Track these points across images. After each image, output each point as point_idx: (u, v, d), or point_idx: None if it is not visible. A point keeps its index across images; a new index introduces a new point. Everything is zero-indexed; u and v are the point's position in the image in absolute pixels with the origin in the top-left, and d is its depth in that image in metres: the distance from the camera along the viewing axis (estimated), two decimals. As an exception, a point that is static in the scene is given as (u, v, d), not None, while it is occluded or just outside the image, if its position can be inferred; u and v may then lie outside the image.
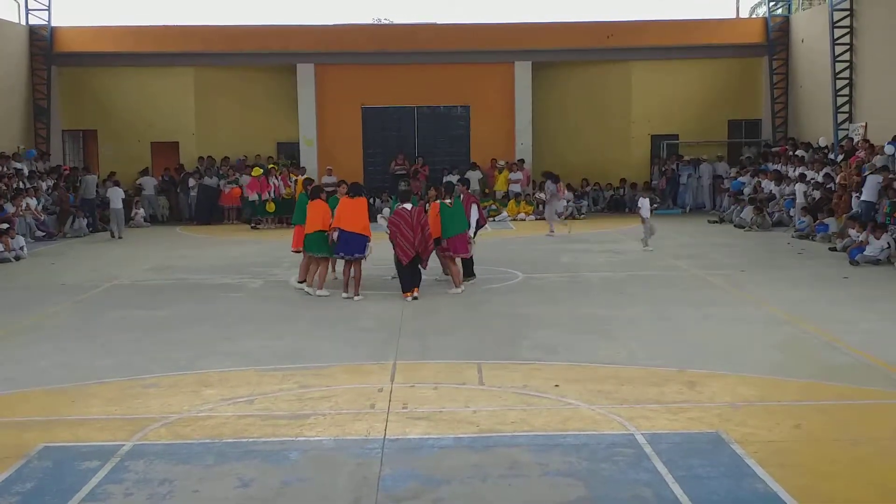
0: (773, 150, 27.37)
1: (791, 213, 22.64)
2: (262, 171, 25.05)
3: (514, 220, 26.27)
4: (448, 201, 14.44)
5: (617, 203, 28.62)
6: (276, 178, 25.28)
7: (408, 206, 13.89)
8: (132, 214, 25.90)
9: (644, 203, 18.75)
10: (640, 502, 6.30)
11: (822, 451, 7.22)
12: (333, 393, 8.96)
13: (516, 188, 27.66)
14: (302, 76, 28.64)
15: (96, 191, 25.14)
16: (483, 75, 28.90)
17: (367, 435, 7.67)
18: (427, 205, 14.64)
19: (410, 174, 27.02)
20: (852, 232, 17.95)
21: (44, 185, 24.84)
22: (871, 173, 19.51)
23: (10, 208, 21.69)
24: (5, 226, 19.75)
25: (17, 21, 27.93)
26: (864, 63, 24.22)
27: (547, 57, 28.96)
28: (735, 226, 23.18)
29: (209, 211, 26.88)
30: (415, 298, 13.65)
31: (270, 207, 24.78)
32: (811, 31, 27.11)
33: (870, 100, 23.93)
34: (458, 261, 14.58)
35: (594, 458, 7.08)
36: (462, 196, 15.08)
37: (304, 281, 14.64)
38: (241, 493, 6.56)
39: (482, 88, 28.97)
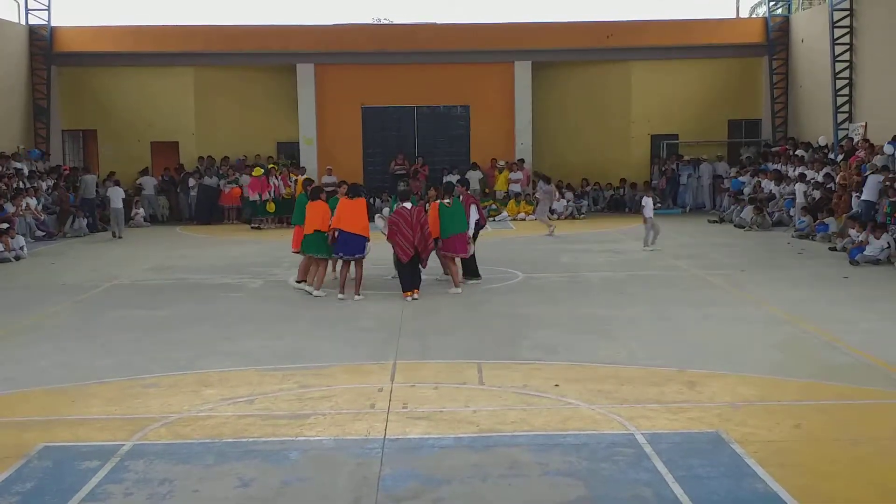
0: (773, 149, 27.37)
1: (791, 213, 22.65)
2: (262, 171, 25.05)
3: (514, 220, 26.27)
4: (447, 201, 14.45)
5: (617, 203, 28.63)
6: (277, 178, 25.28)
7: (407, 204, 13.90)
8: (132, 214, 25.90)
9: (648, 202, 18.75)
10: (640, 502, 6.30)
11: (822, 450, 7.22)
12: (333, 393, 8.96)
13: (516, 188, 27.67)
14: (302, 76, 28.64)
15: (96, 190, 25.14)
16: (483, 75, 28.91)
17: (367, 435, 7.67)
18: (427, 205, 14.66)
19: (410, 174, 27.03)
20: (852, 232, 17.95)
21: (44, 185, 24.83)
22: (872, 173, 19.50)
23: (10, 208, 21.69)
24: (5, 226, 19.75)
25: (16, 21, 27.94)
26: (864, 63, 24.22)
27: (547, 57, 28.97)
28: (735, 226, 23.18)
29: (209, 211, 26.88)
30: (414, 299, 13.65)
31: (271, 207, 24.77)
32: (811, 31, 27.11)
33: (870, 99, 23.93)
34: (458, 261, 14.59)
35: (594, 457, 7.08)
36: (461, 197, 15.08)
37: (303, 281, 14.65)
38: (241, 492, 6.56)
39: (482, 88, 28.98)
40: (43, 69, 28.03)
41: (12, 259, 18.77)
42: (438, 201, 14.50)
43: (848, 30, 24.62)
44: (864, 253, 16.62)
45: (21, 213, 22.13)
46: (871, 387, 8.93)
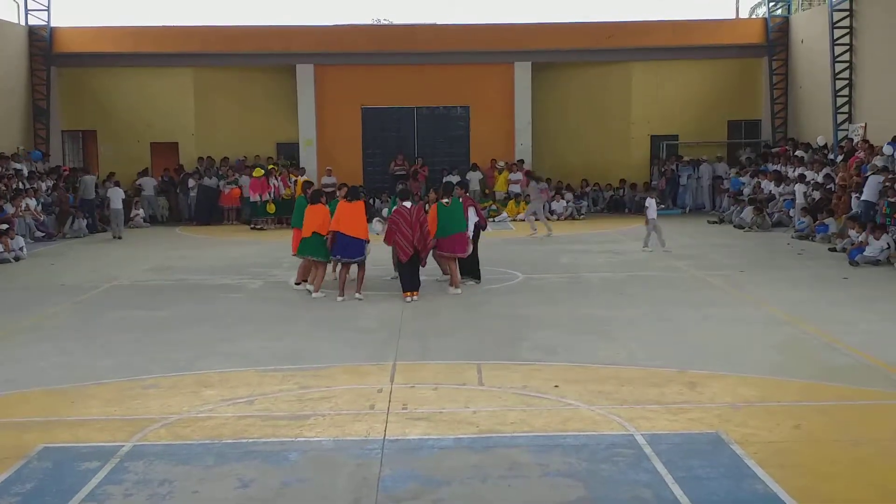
0: (773, 150, 27.37)
1: (791, 214, 22.65)
2: (263, 171, 25.05)
3: (514, 220, 26.26)
4: (445, 201, 14.45)
5: (617, 204, 28.63)
6: (277, 178, 25.28)
7: (407, 203, 13.92)
8: (132, 215, 25.90)
9: (652, 204, 18.72)
10: (639, 503, 6.30)
11: (822, 451, 7.22)
12: (333, 394, 8.96)
13: (516, 189, 27.66)
14: (301, 77, 28.65)
15: (96, 191, 25.14)
16: (483, 76, 28.92)
17: (366, 435, 7.67)
18: (427, 206, 14.67)
19: (410, 175, 27.05)
20: (852, 233, 17.95)
21: (43, 186, 24.83)
22: (873, 173, 19.50)
23: (9, 209, 21.68)
24: (5, 226, 19.74)
25: (16, 22, 27.92)
26: (864, 63, 24.22)
27: (547, 57, 28.97)
28: (735, 226, 23.18)
29: (209, 211, 26.88)
30: (413, 300, 13.64)
31: (271, 208, 24.77)
32: (811, 32, 27.11)
33: (869, 100, 23.94)
34: (457, 261, 14.58)
35: (594, 458, 7.08)
36: (461, 198, 15.07)
37: (303, 282, 14.64)
38: (240, 493, 6.56)
39: (482, 89, 28.98)
40: (42, 70, 28.03)
41: (12, 260, 18.76)
42: (438, 201, 14.51)
43: (848, 30, 24.63)
44: (864, 254, 16.62)
45: (21, 213, 22.13)
46: (871, 387, 8.93)
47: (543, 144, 29.33)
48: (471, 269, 15.09)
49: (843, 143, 23.70)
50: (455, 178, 24.71)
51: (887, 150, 20.38)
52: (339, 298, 13.79)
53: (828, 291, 14.14)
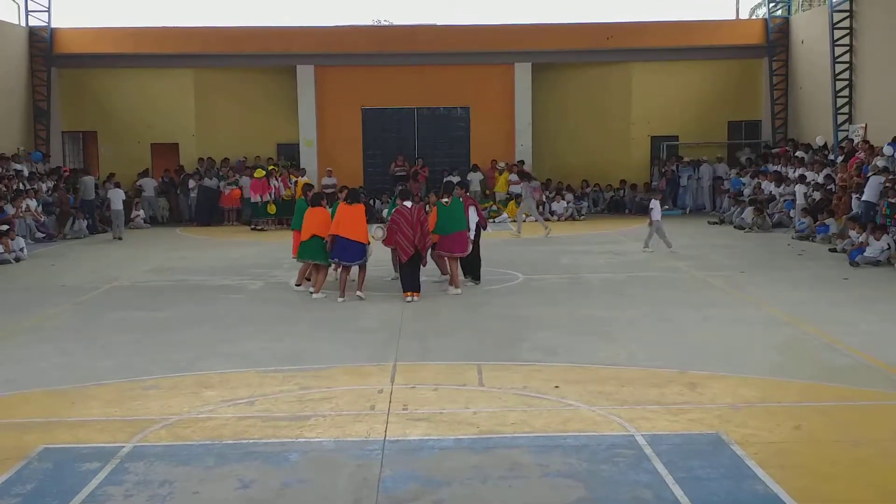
0: (774, 151, 27.37)
1: (791, 215, 22.65)
2: (264, 172, 25.06)
3: (515, 221, 26.22)
4: (445, 200, 14.46)
5: (617, 204, 28.62)
6: (277, 179, 25.28)
7: (408, 203, 13.93)
8: (132, 216, 25.90)
9: (656, 205, 18.69)
10: (640, 503, 6.31)
11: (822, 452, 7.22)
12: (334, 394, 8.96)
13: (517, 189, 27.60)
14: (302, 77, 28.65)
15: (96, 192, 25.14)
16: (483, 77, 28.91)
17: (367, 436, 7.67)
18: (427, 207, 14.67)
19: (410, 175, 27.03)
20: (852, 233, 17.95)
21: (44, 187, 24.83)
22: (874, 174, 19.49)
23: (9, 210, 21.69)
24: (5, 227, 19.74)
25: (17, 23, 27.93)
26: (864, 64, 24.22)
27: (547, 58, 28.97)
28: (735, 227, 23.18)
29: (209, 212, 26.88)
30: (413, 301, 13.64)
31: (272, 209, 24.77)
32: (811, 33, 27.11)
33: (869, 101, 23.93)
34: (458, 261, 14.58)
35: (594, 459, 7.08)
36: (461, 197, 15.07)
37: (302, 284, 14.65)
38: (241, 494, 6.56)
39: (482, 90, 28.98)
40: (43, 71, 28.03)
41: (12, 261, 18.76)
42: (438, 201, 14.52)
43: (848, 31, 24.62)
44: (864, 254, 16.62)
45: (21, 214, 22.12)
46: (871, 388, 8.93)
47: (544, 145, 29.32)
48: (472, 269, 15.09)
49: (843, 144, 23.71)
50: (455, 179, 24.69)
51: (888, 150, 20.37)
52: (340, 299, 13.80)
53: (828, 292, 14.13)
